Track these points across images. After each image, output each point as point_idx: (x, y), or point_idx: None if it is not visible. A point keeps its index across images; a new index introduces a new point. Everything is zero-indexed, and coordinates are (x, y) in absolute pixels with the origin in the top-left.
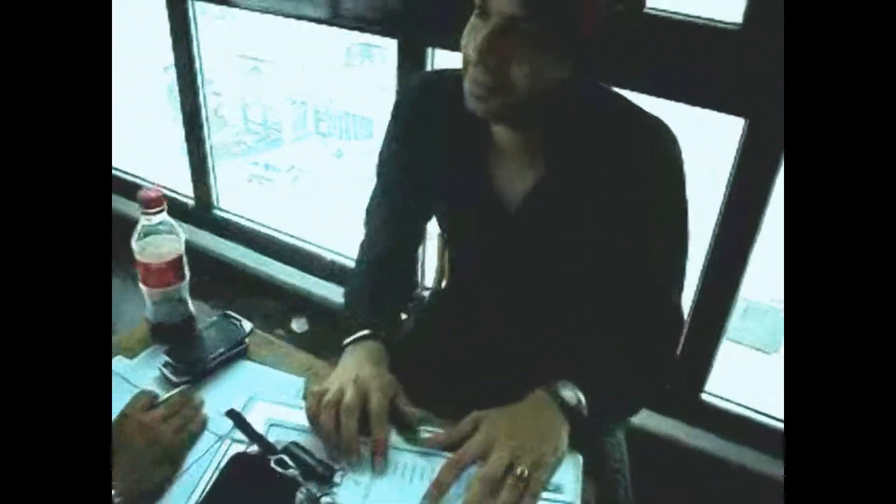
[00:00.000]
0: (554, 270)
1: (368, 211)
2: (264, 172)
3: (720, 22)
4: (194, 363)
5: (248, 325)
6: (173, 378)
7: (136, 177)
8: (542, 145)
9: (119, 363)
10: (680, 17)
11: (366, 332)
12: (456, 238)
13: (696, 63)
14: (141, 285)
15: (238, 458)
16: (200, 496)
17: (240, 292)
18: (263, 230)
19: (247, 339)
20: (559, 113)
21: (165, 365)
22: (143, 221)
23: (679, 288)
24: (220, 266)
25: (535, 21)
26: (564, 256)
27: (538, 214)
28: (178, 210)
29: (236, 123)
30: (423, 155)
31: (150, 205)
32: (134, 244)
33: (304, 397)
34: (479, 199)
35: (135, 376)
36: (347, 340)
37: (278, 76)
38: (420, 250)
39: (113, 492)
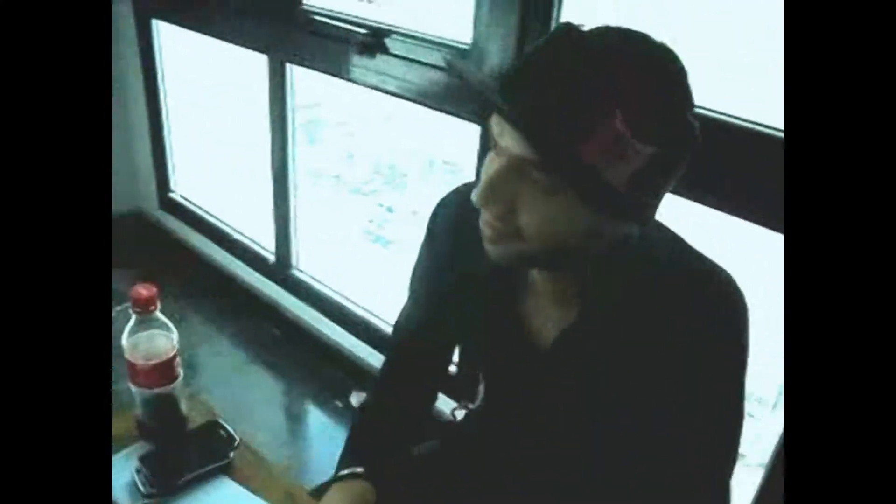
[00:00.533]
0: (586, 418)
1: (397, 325)
2: (387, 214)
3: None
4: (169, 476)
5: (236, 439)
6: (142, 489)
7: (225, 223)
8: (578, 287)
9: None
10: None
11: (358, 469)
12: (484, 368)
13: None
14: (129, 383)
15: None
16: None
17: (305, 356)
18: (337, 297)
19: (232, 454)
20: (595, 259)
21: (138, 471)
22: (136, 320)
23: (731, 462)
24: (291, 327)
25: (545, 165)
26: (597, 404)
27: (569, 358)
28: (259, 265)
29: (365, 165)
30: (453, 280)
31: (142, 303)
32: (124, 341)
33: None
34: (509, 334)
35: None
36: (335, 475)
37: (408, 127)
38: (440, 381)
39: None
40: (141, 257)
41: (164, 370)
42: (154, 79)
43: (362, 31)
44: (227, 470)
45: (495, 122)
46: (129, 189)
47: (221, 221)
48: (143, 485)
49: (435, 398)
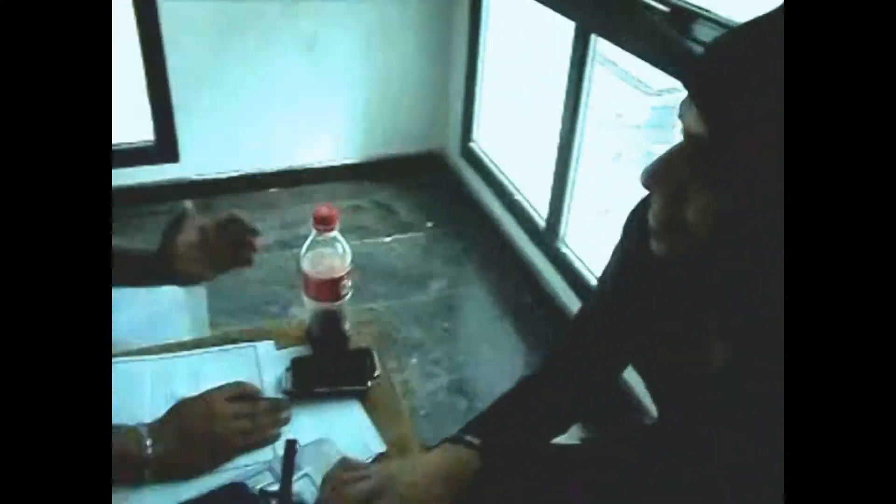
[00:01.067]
0: (757, 448)
1: (576, 319)
2: None
3: None
4: (308, 382)
5: (378, 371)
6: (283, 384)
7: (509, 180)
8: None
9: (263, 348)
10: None
11: (475, 441)
12: (652, 386)
13: None
14: (303, 293)
15: (234, 488)
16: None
17: (551, 330)
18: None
19: (370, 384)
20: None
21: (287, 369)
22: (314, 236)
23: None
24: (545, 297)
25: (718, 144)
26: (766, 438)
27: (739, 379)
28: (529, 229)
29: None
30: (637, 286)
31: (323, 221)
32: (302, 254)
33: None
34: (681, 350)
35: (266, 364)
36: (451, 436)
37: None
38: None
39: (150, 442)
40: (432, 194)
41: (332, 288)
42: (477, 35)
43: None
44: (362, 397)
45: (681, 104)
46: (438, 131)
47: (507, 178)
48: (285, 381)
49: (590, 404)
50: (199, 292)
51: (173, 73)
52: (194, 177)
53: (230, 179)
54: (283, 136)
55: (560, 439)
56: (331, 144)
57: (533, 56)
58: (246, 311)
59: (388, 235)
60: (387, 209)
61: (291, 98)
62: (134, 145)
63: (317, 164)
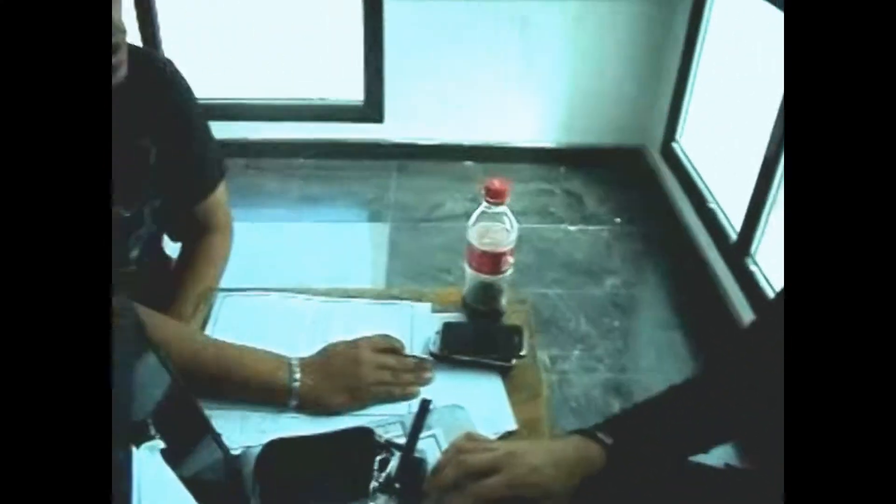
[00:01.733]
0: None
1: (747, 327)
2: None
3: None
4: (454, 348)
5: (523, 351)
6: (431, 348)
7: (706, 186)
8: None
9: (420, 308)
10: None
11: (607, 440)
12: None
13: None
14: (465, 262)
15: (362, 432)
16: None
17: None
18: None
19: (514, 362)
20: None
21: (437, 332)
22: (484, 208)
23: None
24: (729, 319)
25: None
26: None
27: None
28: (719, 240)
29: None
30: None
31: (494, 195)
32: (469, 225)
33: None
34: None
35: (420, 324)
36: (583, 428)
37: None
38: None
39: (298, 374)
40: (624, 189)
41: (494, 261)
42: (696, 32)
43: None
44: (504, 373)
45: None
46: (640, 127)
47: (704, 184)
48: (433, 344)
49: (743, 425)
50: (381, 249)
51: (389, 39)
52: (395, 139)
53: (428, 147)
54: (485, 111)
55: (702, 459)
56: (530, 126)
57: (754, 63)
58: (424, 276)
59: (574, 224)
60: (576, 198)
61: (497, 76)
62: (345, 103)
63: (514, 144)
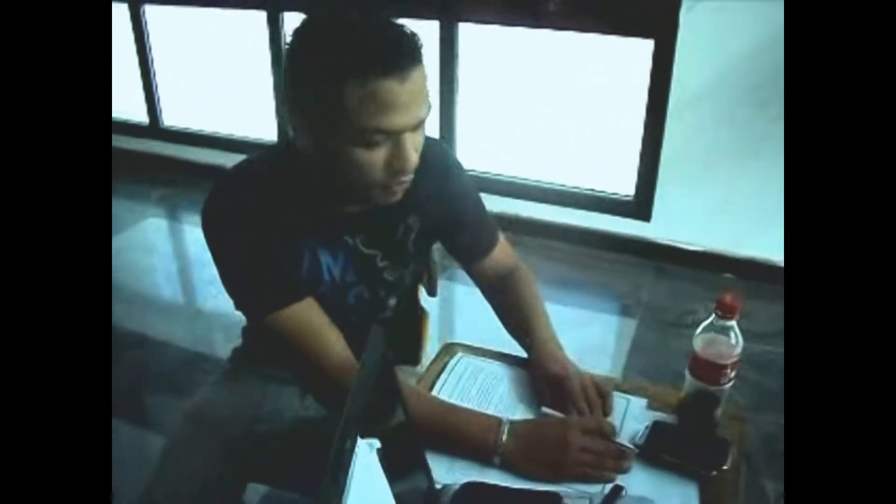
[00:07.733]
0: None
1: None
2: None
3: None
4: (658, 446)
5: (725, 464)
6: (637, 440)
7: None
8: None
9: (636, 402)
10: None
11: None
12: None
13: None
14: (687, 368)
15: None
16: None
17: None
18: None
19: (714, 472)
20: None
21: (646, 427)
22: (714, 320)
23: None
24: None
25: None
26: None
27: None
28: None
29: None
30: None
31: (726, 308)
32: (696, 333)
33: None
34: None
35: (632, 416)
36: None
37: None
38: None
39: (504, 438)
40: None
41: (715, 371)
42: None
43: None
44: (703, 482)
45: None
46: None
47: None
48: (640, 437)
49: None
50: (624, 342)
51: (667, 143)
52: (659, 239)
53: (690, 253)
54: (754, 223)
55: None
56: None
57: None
58: (660, 377)
59: None
60: None
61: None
62: (615, 197)
63: (775, 261)
